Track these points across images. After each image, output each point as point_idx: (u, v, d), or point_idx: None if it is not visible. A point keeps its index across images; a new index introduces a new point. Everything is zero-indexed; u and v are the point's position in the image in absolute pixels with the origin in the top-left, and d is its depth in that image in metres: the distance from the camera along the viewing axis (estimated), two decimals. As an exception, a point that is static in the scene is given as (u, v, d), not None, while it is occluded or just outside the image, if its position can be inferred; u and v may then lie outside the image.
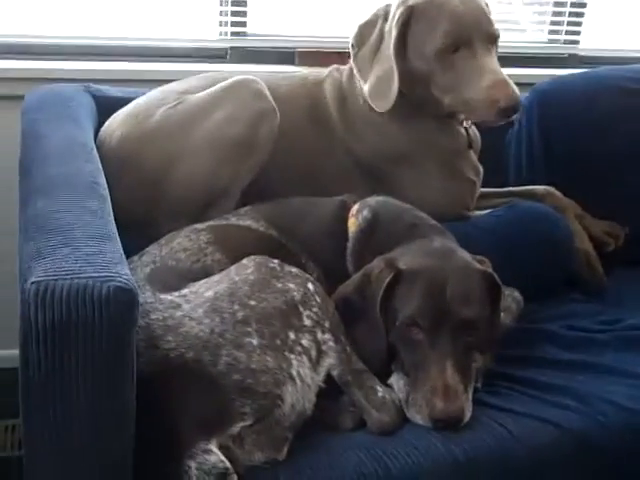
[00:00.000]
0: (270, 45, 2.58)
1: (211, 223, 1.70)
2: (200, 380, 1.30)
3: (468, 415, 1.44)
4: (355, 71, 1.94)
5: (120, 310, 1.17)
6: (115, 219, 1.47)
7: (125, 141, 1.86)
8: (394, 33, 1.86)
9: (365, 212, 1.68)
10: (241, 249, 1.56)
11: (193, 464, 1.25)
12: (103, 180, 1.58)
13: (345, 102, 1.99)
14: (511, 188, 2.21)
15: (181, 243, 1.61)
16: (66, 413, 1.20)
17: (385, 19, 1.92)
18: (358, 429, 1.45)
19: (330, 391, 1.44)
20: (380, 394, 1.46)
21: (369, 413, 1.44)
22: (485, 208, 2.10)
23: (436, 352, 1.45)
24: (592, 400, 1.51)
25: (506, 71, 1.88)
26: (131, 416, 1.25)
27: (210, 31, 2.55)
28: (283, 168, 1.91)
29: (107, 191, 1.54)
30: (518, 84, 1.87)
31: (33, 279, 1.16)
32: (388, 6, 1.93)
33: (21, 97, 2.03)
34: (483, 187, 2.16)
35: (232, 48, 2.55)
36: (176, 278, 1.50)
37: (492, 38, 1.90)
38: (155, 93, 1.96)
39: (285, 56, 2.57)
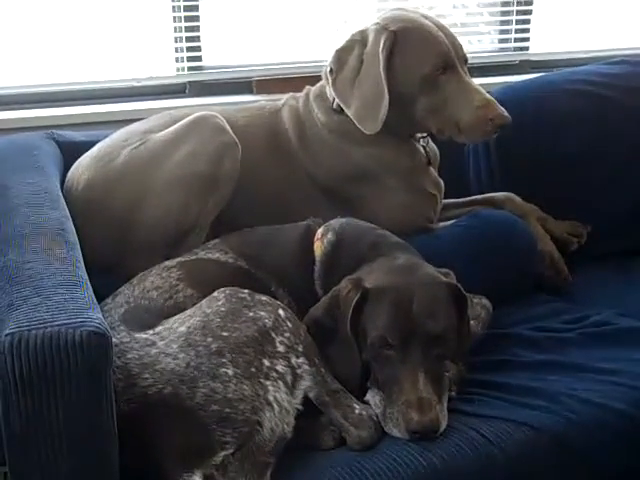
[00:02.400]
0: (226, 76, 2.63)
1: (181, 259, 1.73)
2: (179, 413, 1.34)
3: (444, 424, 1.48)
4: (334, 95, 1.98)
5: (95, 353, 1.21)
6: (86, 262, 1.52)
7: (91, 185, 1.89)
8: (382, 57, 1.91)
9: (329, 235, 1.73)
10: (211, 282, 1.60)
11: None
12: (71, 226, 1.61)
13: (303, 128, 2.04)
14: (472, 197, 2.26)
15: (153, 282, 1.64)
16: (50, 457, 1.23)
17: (363, 44, 1.97)
18: (339, 447, 1.48)
19: (309, 412, 1.48)
20: (357, 411, 1.49)
21: (348, 430, 1.48)
22: (448, 219, 2.15)
23: (408, 366, 1.49)
24: (562, 398, 1.55)
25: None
26: (114, 454, 1.28)
27: (167, 67, 2.59)
28: (248, 198, 1.95)
29: (75, 237, 1.58)
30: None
31: (7, 331, 1.19)
32: (364, 31, 1.98)
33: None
34: (445, 199, 2.22)
35: (190, 82, 2.60)
36: (150, 316, 1.54)
37: (465, 59, 2.00)
38: (118, 135, 2.00)
39: (243, 86, 2.63)
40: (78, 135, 2.19)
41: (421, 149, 2.08)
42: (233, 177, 1.90)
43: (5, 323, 1.22)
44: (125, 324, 1.51)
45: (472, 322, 1.76)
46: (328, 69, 1.98)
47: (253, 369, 1.41)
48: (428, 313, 1.52)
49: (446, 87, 1.92)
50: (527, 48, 2.98)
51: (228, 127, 1.92)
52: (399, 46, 1.92)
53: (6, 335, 1.18)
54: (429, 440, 1.45)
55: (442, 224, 2.12)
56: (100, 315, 1.27)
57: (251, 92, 2.62)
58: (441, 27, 1.97)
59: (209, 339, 1.42)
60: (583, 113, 2.31)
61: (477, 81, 2.50)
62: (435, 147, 2.15)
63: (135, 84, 2.55)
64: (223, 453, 1.34)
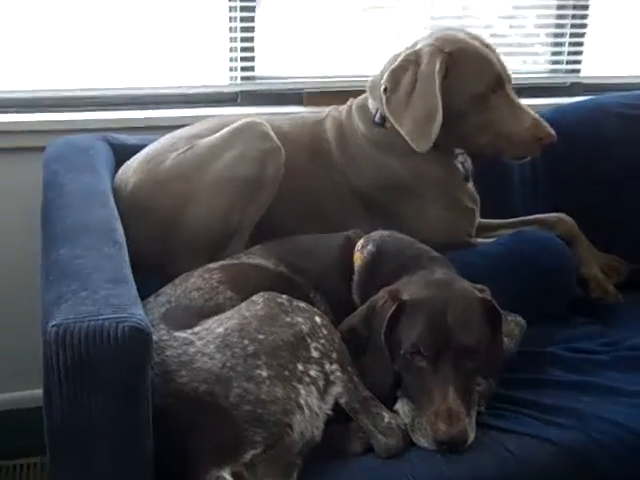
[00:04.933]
0: (278, 87, 2.67)
1: (223, 263, 1.78)
2: (213, 411, 1.38)
3: (471, 437, 1.51)
4: (387, 113, 2.03)
5: (136, 348, 1.26)
6: (132, 261, 1.58)
7: (139, 186, 1.96)
8: (437, 78, 1.97)
9: (370, 246, 1.76)
10: (252, 286, 1.64)
11: None
12: (119, 226, 1.67)
13: (345, 138, 2.09)
14: (524, 217, 2.27)
15: (195, 283, 1.69)
16: (88, 448, 1.28)
17: (417, 64, 2.02)
18: (366, 454, 1.52)
19: (339, 418, 1.52)
20: (386, 420, 1.53)
21: (376, 438, 1.51)
22: (495, 237, 2.18)
23: (439, 378, 1.52)
24: (591, 419, 1.57)
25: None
26: (148, 446, 1.33)
27: (221, 76, 2.64)
28: (289, 205, 2.01)
29: (123, 237, 1.64)
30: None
31: (53, 322, 1.25)
32: (418, 51, 2.03)
33: (42, 149, 2.15)
34: (492, 217, 2.25)
35: (242, 92, 2.65)
36: (190, 316, 1.58)
37: (510, 79, 2.07)
38: (166, 139, 2.06)
39: (293, 97, 2.67)
40: (131, 138, 2.25)
41: (459, 165, 2.11)
42: (276, 181, 1.96)
43: (53, 315, 1.28)
44: (165, 322, 1.56)
45: (505, 339, 1.78)
46: (382, 88, 2.03)
47: (287, 372, 1.45)
48: (462, 326, 1.55)
49: (497, 106, 2.00)
50: (579, 70, 2.97)
51: (273, 134, 1.98)
52: (453, 67, 1.99)
53: (52, 326, 1.24)
54: (456, 452, 1.48)
55: (482, 240, 2.14)
56: (142, 312, 1.32)
57: (301, 104, 2.66)
58: (489, 47, 2.04)
59: (245, 341, 1.47)
60: (632, 137, 2.31)
61: (527, 102, 2.56)
62: (470, 163, 2.18)
63: (188, 91, 2.61)
64: (252, 452, 1.39)
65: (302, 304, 1.58)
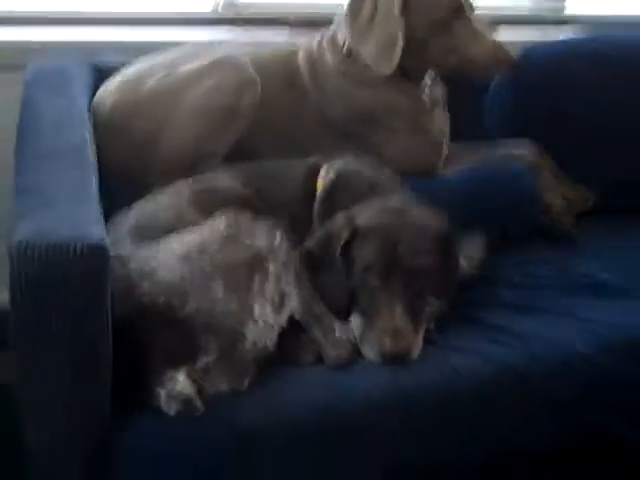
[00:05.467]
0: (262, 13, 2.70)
1: (195, 184, 1.85)
2: (169, 321, 1.47)
3: (416, 353, 1.60)
4: (350, 39, 2.08)
5: (93, 265, 1.34)
6: (109, 178, 1.73)
7: (117, 107, 2.03)
8: (397, 4, 2.01)
9: (331, 174, 1.83)
10: (217, 208, 1.72)
11: (162, 391, 1.43)
12: (89, 148, 1.74)
13: (316, 71, 2.14)
14: (488, 142, 2.32)
15: (165, 201, 1.76)
16: (52, 353, 1.38)
17: None
18: (317, 364, 1.61)
19: (293, 330, 1.62)
20: (337, 333, 1.63)
21: (326, 349, 1.61)
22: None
23: (388, 297, 1.62)
24: (532, 339, 1.66)
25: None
26: (107, 354, 1.41)
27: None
28: (264, 135, 2.07)
29: (93, 158, 1.71)
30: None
31: (16, 238, 1.33)
32: None
33: (23, 67, 2.19)
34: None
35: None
36: (156, 232, 1.65)
37: (474, 9, 2.13)
38: (144, 63, 2.12)
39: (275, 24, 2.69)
40: (113, 60, 2.27)
41: (425, 94, 2.17)
42: (250, 112, 2.03)
43: (16, 230, 1.36)
44: (131, 237, 1.63)
45: (463, 261, 1.87)
46: (344, 16, 2.07)
47: (242, 289, 1.54)
48: (411, 251, 1.64)
49: (458, 31, 2.06)
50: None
51: (250, 66, 2.03)
52: None
53: (15, 241, 1.32)
54: (400, 366, 1.57)
55: (449, 169, 2.20)
56: (102, 230, 1.40)
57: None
58: None
59: (205, 257, 1.55)
60: (606, 78, 2.35)
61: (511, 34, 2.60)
62: (441, 92, 2.24)
63: (171, 11, 2.63)
64: (206, 358, 1.48)
65: (263, 224, 1.66)
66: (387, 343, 1.58)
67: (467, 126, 2.34)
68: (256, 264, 1.58)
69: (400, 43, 2.02)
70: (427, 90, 2.18)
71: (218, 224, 1.64)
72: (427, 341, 1.64)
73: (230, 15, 2.67)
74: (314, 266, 1.69)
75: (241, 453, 1.44)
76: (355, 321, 1.66)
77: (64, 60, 2.24)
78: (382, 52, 2.04)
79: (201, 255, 1.56)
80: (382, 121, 2.12)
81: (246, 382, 1.53)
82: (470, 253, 1.94)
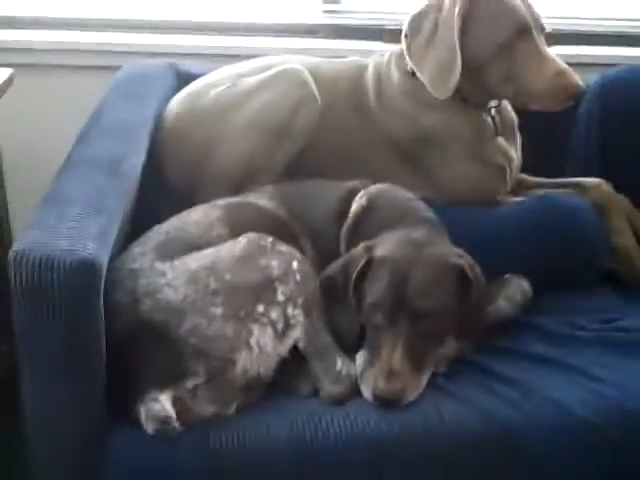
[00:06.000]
0: (359, 22, 2.69)
1: (230, 200, 1.87)
2: (163, 340, 1.51)
3: (412, 397, 1.56)
4: (408, 59, 2.03)
5: (81, 280, 1.40)
6: (166, 189, 1.79)
7: (178, 119, 2.08)
8: (456, 23, 1.94)
9: (363, 199, 1.80)
10: (246, 225, 1.73)
11: (143, 409, 1.47)
12: (132, 160, 1.81)
13: (381, 87, 2.10)
14: (560, 179, 2.22)
15: (195, 216, 1.79)
16: (46, 364, 1.45)
17: (438, 9, 2.00)
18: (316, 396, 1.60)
19: (297, 359, 1.61)
20: (338, 368, 1.61)
21: (322, 383, 1.60)
22: (524, 196, 2.14)
23: (390, 336, 1.58)
24: (538, 398, 1.56)
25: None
26: (99, 369, 1.47)
27: (303, 7, 2.69)
28: (327, 147, 2.06)
29: (132, 170, 1.77)
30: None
31: (14, 247, 1.41)
32: None
33: (118, 68, 2.31)
34: (537, 175, 2.22)
35: (323, 25, 2.69)
36: (181, 249, 1.67)
37: (542, 28, 2.00)
38: (215, 74, 2.16)
39: (374, 33, 2.68)
40: (199, 67, 2.34)
41: (489, 119, 2.08)
42: (307, 130, 2.02)
43: (19, 238, 1.44)
44: (155, 252, 1.65)
45: (503, 302, 1.81)
46: (403, 34, 2.02)
47: (243, 312, 1.55)
48: (421, 289, 1.59)
49: (521, 55, 1.94)
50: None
51: (311, 82, 2.03)
52: (474, 12, 1.95)
53: (12, 251, 1.40)
54: (393, 408, 1.54)
55: (512, 199, 2.11)
56: (99, 244, 1.45)
57: (381, 40, 2.66)
58: None
59: (211, 279, 1.57)
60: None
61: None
62: (512, 117, 2.14)
63: (268, 21, 2.67)
64: (194, 381, 1.51)
65: (284, 248, 1.66)
66: (379, 385, 1.54)
67: (550, 159, 2.25)
68: (264, 288, 1.59)
69: (458, 67, 1.94)
70: (494, 114, 2.09)
71: (237, 244, 1.65)
72: (430, 385, 1.59)
73: (328, 24, 2.68)
74: (331, 295, 1.68)
75: (211, 478, 1.46)
76: (360, 357, 1.63)
77: (156, 66, 2.33)
78: (439, 75, 1.97)
79: (208, 275, 1.58)
80: (440, 145, 2.05)
81: (233, 407, 1.55)
82: (512, 293, 1.86)
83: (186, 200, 1.98)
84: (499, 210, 2.04)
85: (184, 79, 2.28)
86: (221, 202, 1.87)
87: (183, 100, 2.12)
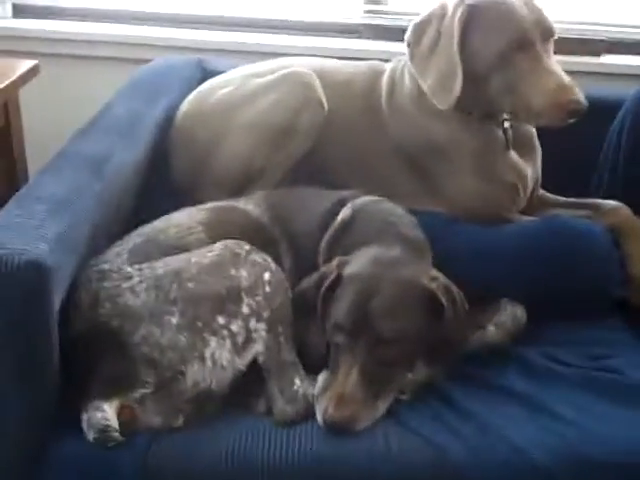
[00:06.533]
0: (401, 24, 2.60)
1: (217, 203, 1.84)
2: (116, 346, 1.50)
3: (364, 424, 1.49)
4: (412, 68, 1.96)
5: (28, 281, 1.39)
6: (173, 188, 1.81)
7: (186, 118, 2.08)
8: (456, 32, 1.86)
9: (346, 212, 1.74)
10: (226, 231, 1.70)
11: (85, 417, 1.46)
12: (121, 158, 1.80)
13: (393, 94, 2.03)
14: (579, 199, 2.10)
15: (177, 219, 1.76)
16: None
17: (442, 17, 1.91)
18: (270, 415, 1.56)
19: (257, 375, 1.57)
20: (295, 387, 1.55)
21: (276, 402, 1.55)
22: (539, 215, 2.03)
23: (348, 358, 1.52)
24: (491, 434, 1.47)
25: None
26: (50, 367, 1.47)
27: (346, 7, 2.63)
28: (333, 155, 2.02)
29: (117, 168, 1.77)
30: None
31: None
32: (444, 6, 1.92)
33: (147, 62, 2.33)
34: (563, 191, 2.11)
35: (364, 25, 2.62)
36: (156, 252, 1.65)
37: (550, 35, 1.88)
38: (227, 74, 2.15)
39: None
40: (227, 64, 2.33)
41: (499, 133, 1.96)
42: (311, 134, 1.97)
43: None
44: (130, 254, 1.64)
45: (491, 328, 1.74)
46: (406, 42, 1.94)
47: (200, 323, 1.52)
48: (385, 311, 1.53)
49: (520, 67, 1.83)
50: None
51: (317, 84, 1.98)
52: (475, 21, 1.86)
53: None
54: (341, 434, 1.48)
55: (523, 217, 2.00)
56: (52, 247, 1.44)
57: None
58: (528, 2, 1.86)
59: (174, 286, 1.55)
60: None
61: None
62: (531, 131, 2.04)
63: (309, 19, 2.63)
64: (142, 390, 1.49)
65: (259, 258, 1.62)
66: (328, 410, 1.48)
67: (578, 176, 2.14)
68: (229, 299, 1.55)
69: (459, 77, 1.85)
70: (507, 127, 1.97)
71: (210, 250, 1.62)
72: (389, 412, 1.53)
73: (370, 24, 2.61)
74: (303, 310, 1.63)
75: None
76: (321, 377, 1.57)
77: (182, 61, 2.34)
78: (440, 85, 1.89)
79: (172, 282, 1.56)
80: (446, 156, 1.97)
81: (180, 420, 1.52)
82: (503, 319, 1.77)
83: (190, 200, 1.97)
84: (504, 228, 1.94)
85: (210, 76, 2.26)
86: (209, 205, 1.84)
87: (192, 99, 2.11)
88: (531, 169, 2.03)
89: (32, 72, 2.23)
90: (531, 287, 1.84)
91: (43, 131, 2.38)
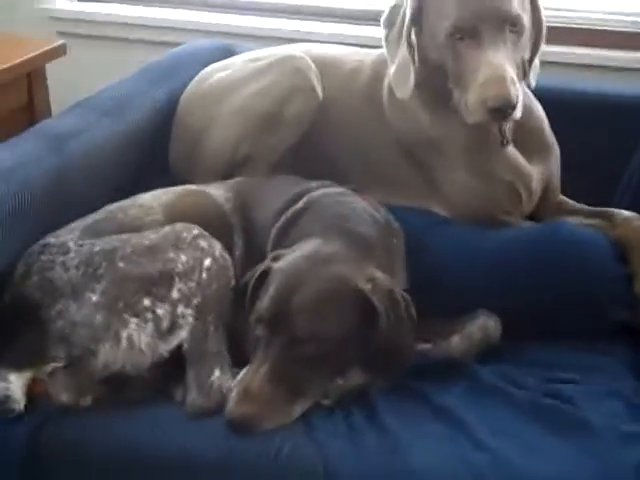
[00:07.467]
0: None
1: (187, 187, 1.80)
2: (33, 319, 1.48)
3: (269, 424, 1.40)
4: (386, 54, 1.84)
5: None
6: (169, 172, 1.82)
7: (184, 100, 2.04)
8: (407, 16, 1.74)
9: (300, 203, 1.65)
10: (183, 215, 1.65)
11: None
12: (91, 136, 1.79)
13: None
14: (593, 207, 1.90)
15: (143, 200, 1.73)
16: None
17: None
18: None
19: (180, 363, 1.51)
20: (212, 378, 1.48)
21: (190, 392, 1.48)
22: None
23: (262, 355, 1.44)
24: (398, 453, 1.34)
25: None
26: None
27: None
28: (337, 139, 1.94)
29: (82, 145, 1.76)
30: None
31: None
32: None
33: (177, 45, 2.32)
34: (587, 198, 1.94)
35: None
36: (110, 231, 1.62)
37: (507, 21, 1.67)
38: (231, 59, 2.09)
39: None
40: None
41: (494, 128, 1.78)
42: (300, 122, 1.90)
43: None
44: (82, 231, 1.61)
45: (456, 339, 1.61)
46: (382, 26, 1.82)
47: (121, 303, 1.48)
48: (303, 309, 1.43)
49: (461, 57, 1.67)
50: None
51: (311, 70, 1.90)
52: (424, 6, 1.73)
53: None
54: (241, 431, 1.39)
55: (521, 222, 1.84)
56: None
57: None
58: None
59: (104, 264, 1.51)
60: None
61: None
62: (542, 127, 1.87)
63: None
64: (54, 364, 1.47)
65: (205, 244, 1.56)
66: (232, 405, 1.40)
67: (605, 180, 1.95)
68: (159, 282, 1.51)
69: (412, 66, 1.74)
70: (504, 122, 1.77)
71: (156, 232, 1.59)
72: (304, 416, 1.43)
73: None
74: (241, 302, 1.55)
75: (26, 468, 1.41)
76: (242, 371, 1.49)
77: (209, 45, 2.31)
78: (399, 73, 1.77)
79: (103, 259, 1.52)
80: (440, 150, 1.83)
81: (88, 399, 1.49)
82: (472, 331, 1.63)
83: (182, 178, 1.94)
84: (500, 233, 1.78)
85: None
86: (179, 188, 1.80)
87: (193, 82, 2.07)
88: (538, 169, 1.86)
89: (56, 50, 2.25)
90: (512, 298, 1.68)
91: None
